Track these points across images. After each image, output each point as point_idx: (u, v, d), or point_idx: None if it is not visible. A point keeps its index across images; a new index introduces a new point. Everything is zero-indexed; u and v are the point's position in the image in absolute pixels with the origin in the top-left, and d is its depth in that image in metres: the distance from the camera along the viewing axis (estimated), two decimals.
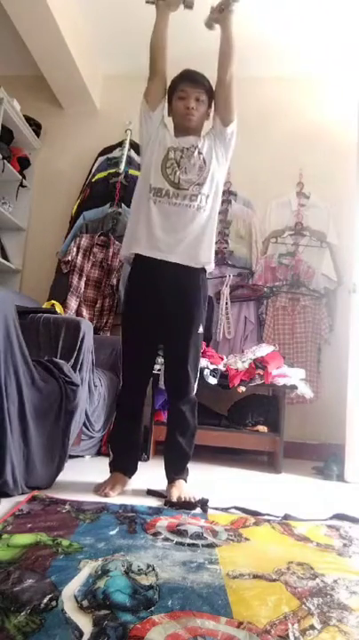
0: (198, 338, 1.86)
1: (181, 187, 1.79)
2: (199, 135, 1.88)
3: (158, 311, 1.79)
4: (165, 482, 1.84)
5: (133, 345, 1.86)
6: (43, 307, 2.82)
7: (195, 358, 1.84)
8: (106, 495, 1.68)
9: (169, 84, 1.88)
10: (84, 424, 2.21)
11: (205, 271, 1.87)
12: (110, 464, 1.86)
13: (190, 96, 1.83)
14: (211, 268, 1.88)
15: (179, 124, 1.88)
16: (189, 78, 1.85)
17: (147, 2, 1.81)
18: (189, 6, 1.82)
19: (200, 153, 1.82)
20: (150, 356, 1.90)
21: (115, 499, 1.65)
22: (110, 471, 1.84)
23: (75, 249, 3.21)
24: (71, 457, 2.10)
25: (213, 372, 2.64)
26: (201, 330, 1.86)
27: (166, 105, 1.88)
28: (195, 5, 1.80)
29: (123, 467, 1.84)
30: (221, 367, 2.69)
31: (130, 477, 1.85)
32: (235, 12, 1.79)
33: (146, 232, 1.79)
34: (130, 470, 1.86)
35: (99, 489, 1.73)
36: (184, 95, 1.83)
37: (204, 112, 1.88)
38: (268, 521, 1.53)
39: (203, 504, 1.64)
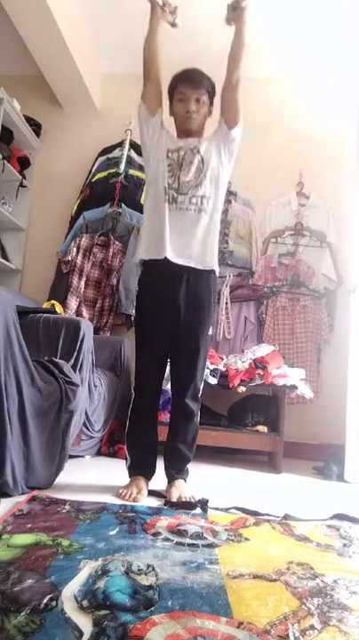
0: (207, 339, 1.86)
1: (181, 191, 1.78)
2: (201, 135, 1.87)
3: (172, 314, 1.78)
4: (165, 482, 1.84)
5: (149, 350, 1.84)
6: (43, 307, 2.82)
7: (203, 358, 1.84)
8: (134, 500, 1.66)
9: (169, 82, 1.86)
10: (84, 424, 2.22)
11: (215, 273, 1.86)
12: (129, 468, 1.84)
13: (190, 98, 1.80)
14: (216, 272, 1.87)
15: (180, 126, 1.87)
16: (188, 79, 1.82)
17: None
18: (175, 26, 1.87)
19: (198, 153, 1.80)
20: (165, 359, 1.87)
21: (115, 499, 1.65)
22: (129, 475, 1.82)
23: (75, 249, 3.21)
24: (71, 457, 2.09)
25: (213, 372, 2.64)
26: (210, 332, 1.87)
27: (162, 111, 1.85)
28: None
29: (143, 470, 1.82)
30: (221, 367, 2.70)
31: (150, 480, 1.83)
32: (247, 9, 1.72)
33: (159, 237, 1.78)
34: (150, 473, 1.84)
35: (123, 495, 1.69)
36: (183, 97, 1.81)
37: (206, 112, 1.86)
38: (268, 521, 1.53)
39: (203, 504, 1.64)
